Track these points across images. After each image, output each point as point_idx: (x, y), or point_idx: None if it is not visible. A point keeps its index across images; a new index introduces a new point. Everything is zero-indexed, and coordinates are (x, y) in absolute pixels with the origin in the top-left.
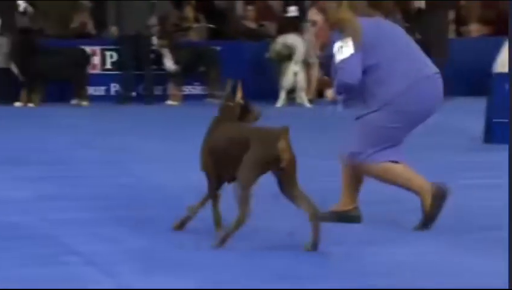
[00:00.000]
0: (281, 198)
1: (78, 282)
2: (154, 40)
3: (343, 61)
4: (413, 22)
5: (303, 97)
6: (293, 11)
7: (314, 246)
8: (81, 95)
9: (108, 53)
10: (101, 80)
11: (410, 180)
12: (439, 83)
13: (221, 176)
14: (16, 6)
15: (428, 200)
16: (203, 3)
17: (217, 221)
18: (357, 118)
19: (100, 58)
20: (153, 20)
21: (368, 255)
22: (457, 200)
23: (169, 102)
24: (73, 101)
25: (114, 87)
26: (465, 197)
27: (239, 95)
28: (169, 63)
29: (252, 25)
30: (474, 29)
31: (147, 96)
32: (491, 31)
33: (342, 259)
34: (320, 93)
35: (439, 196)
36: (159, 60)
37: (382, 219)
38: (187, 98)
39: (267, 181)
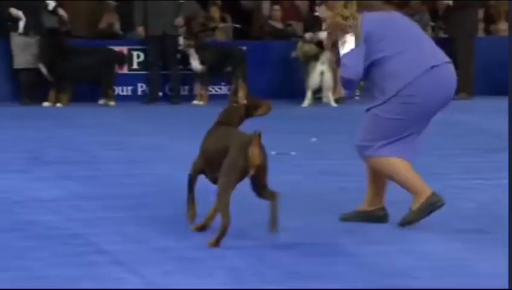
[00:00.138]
0: (292, 197)
1: (105, 281)
2: (181, 40)
3: (344, 56)
4: (441, 20)
5: (329, 97)
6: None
7: (274, 225)
8: (109, 95)
9: (135, 53)
10: (128, 80)
11: (410, 179)
12: (448, 73)
13: (206, 173)
14: (45, 5)
15: (419, 203)
16: (229, 3)
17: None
18: (367, 110)
19: (127, 58)
20: (180, 21)
21: (381, 254)
22: (484, 199)
23: (195, 102)
24: (101, 101)
25: (141, 87)
26: (495, 196)
27: (241, 94)
28: (195, 63)
29: (279, 24)
30: (503, 27)
31: (173, 96)
32: None
33: (358, 259)
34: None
35: (432, 204)
36: (185, 60)
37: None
38: (213, 98)
39: (276, 181)
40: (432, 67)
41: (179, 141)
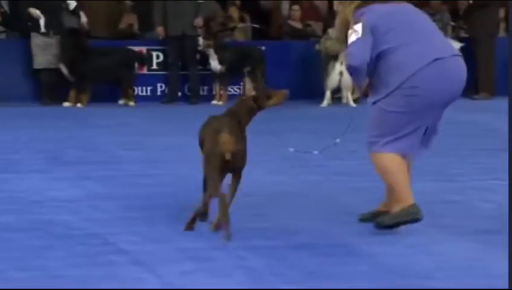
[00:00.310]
0: (311, 197)
1: (123, 281)
2: (200, 40)
3: (350, 45)
4: (462, 20)
5: (348, 97)
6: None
7: (224, 219)
8: (129, 95)
9: (154, 53)
10: (147, 80)
11: (400, 186)
12: (455, 66)
13: None
14: (65, 6)
15: (396, 210)
16: (248, 3)
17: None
18: (373, 104)
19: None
20: (199, 21)
21: (399, 255)
22: (502, 200)
23: (214, 102)
24: (121, 101)
25: (160, 88)
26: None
27: (248, 87)
28: (214, 63)
29: (298, 25)
30: None
31: (193, 96)
32: None
33: (376, 259)
34: (365, 94)
35: (407, 215)
36: (204, 60)
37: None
38: (232, 98)
39: (296, 181)
40: (436, 59)
41: (197, 141)
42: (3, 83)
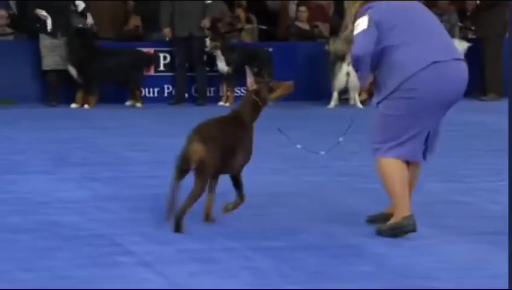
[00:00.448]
0: (316, 198)
1: (129, 282)
2: (207, 41)
3: (355, 36)
4: (470, 21)
5: (356, 98)
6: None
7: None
8: (136, 96)
9: (161, 55)
10: (154, 81)
11: (399, 196)
12: (455, 69)
13: None
14: (75, 6)
15: (391, 221)
16: (255, 5)
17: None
18: (377, 105)
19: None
20: (206, 22)
21: (403, 256)
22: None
23: (221, 103)
24: (128, 103)
25: (167, 89)
26: None
27: (249, 81)
28: (221, 65)
29: (305, 26)
30: None
31: (200, 97)
32: None
33: (380, 260)
34: (371, 94)
35: (402, 227)
36: (211, 61)
37: (423, 221)
38: (239, 99)
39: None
40: (434, 62)
41: None
42: (11, 84)
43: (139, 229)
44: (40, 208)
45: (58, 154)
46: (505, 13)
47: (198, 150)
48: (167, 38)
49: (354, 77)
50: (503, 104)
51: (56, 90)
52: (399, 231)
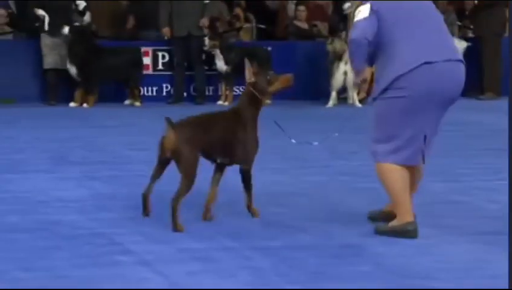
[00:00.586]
0: (315, 198)
1: (129, 281)
2: (206, 40)
3: (355, 23)
4: (468, 20)
5: (354, 97)
6: (349, 7)
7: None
8: (135, 95)
9: (160, 54)
10: (153, 80)
11: (401, 200)
12: (449, 71)
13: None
14: (76, 5)
15: (397, 223)
16: (254, 4)
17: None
18: (374, 100)
19: (152, 59)
20: (204, 21)
21: (403, 256)
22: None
23: (220, 102)
24: (127, 102)
25: (166, 88)
26: None
27: (248, 74)
28: (220, 64)
29: (304, 25)
30: None
31: (198, 96)
32: None
33: (379, 260)
34: (369, 93)
35: (403, 233)
36: (210, 60)
37: (423, 221)
38: (238, 98)
39: (301, 181)
40: (426, 63)
41: None
42: (10, 84)
43: (138, 228)
44: (39, 207)
45: (58, 153)
46: (503, 13)
47: (171, 138)
48: (166, 38)
49: (351, 75)
50: (501, 103)
51: (55, 89)
52: (401, 236)
